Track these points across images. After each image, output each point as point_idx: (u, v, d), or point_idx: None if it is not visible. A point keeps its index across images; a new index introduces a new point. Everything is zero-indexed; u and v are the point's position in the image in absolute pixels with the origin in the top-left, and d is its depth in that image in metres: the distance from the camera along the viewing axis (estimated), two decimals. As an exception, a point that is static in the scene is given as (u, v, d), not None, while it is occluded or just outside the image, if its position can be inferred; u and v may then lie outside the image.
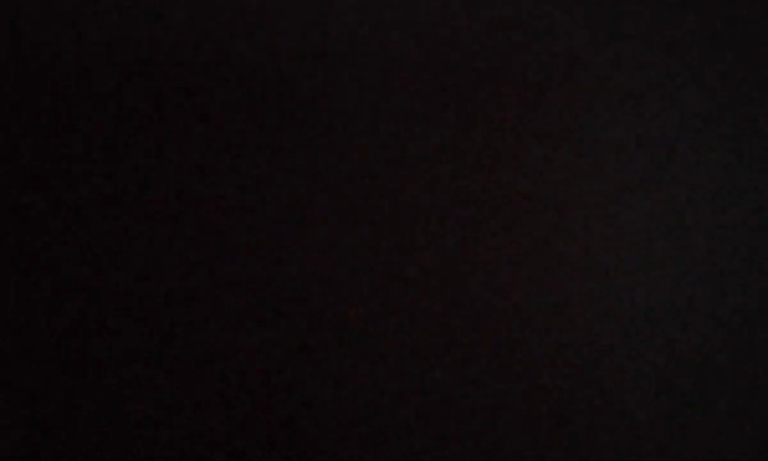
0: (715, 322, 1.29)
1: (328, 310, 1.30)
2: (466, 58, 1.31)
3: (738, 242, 1.30)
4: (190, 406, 1.29)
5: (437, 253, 1.30)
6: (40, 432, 1.29)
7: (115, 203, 1.30)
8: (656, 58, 1.31)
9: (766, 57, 1.31)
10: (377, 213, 1.30)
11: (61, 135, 1.31)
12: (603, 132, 1.30)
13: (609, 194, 1.30)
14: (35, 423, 1.29)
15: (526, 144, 1.30)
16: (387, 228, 1.30)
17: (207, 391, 1.30)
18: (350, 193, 1.30)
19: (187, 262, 1.30)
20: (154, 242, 1.30)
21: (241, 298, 1.30)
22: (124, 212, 1.30)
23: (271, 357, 1.30)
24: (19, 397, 1.29)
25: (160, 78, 1.30)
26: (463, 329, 1.29)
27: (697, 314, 1.30)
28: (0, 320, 1.30)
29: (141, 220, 1.30)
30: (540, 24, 1.30)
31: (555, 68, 1.31)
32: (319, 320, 1.30)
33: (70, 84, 1.31)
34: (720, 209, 1.30)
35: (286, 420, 1.30)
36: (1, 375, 1.29)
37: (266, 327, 1.30)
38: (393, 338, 1.30)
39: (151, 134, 1.30)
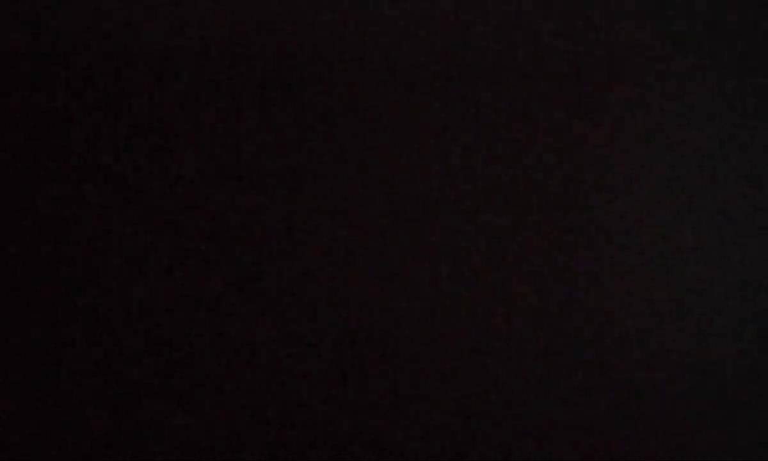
0: (721, 322, 1.30)
1: (330, 311, 1.30)
2: (469, 56, 1.31)
3: (742, 242, 1.30)
4: (190, 406, 1.29)
5: (441, 253, 1.30)
6: (39, 432, 1.29)
7: (115, 203, 1.30)
8: (661, 55, 1.31)
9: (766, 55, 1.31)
10: (381, 213, 1.30)
11: (60, 135, 1.31)
12: (609, 131, 1.31)
13: (615, 193, 1.30)
14: (35, 423, 1.29)
15: (530, 142, 1.31)
16: (390, 227, 1.30)
17: (208, 392, 1.29)
18: (354, 192, 1.30)
19: (187, 261, 1.30)
20: (154, 242, 1.30)
21: (241, 298, 1.30)
22: (125, 211, 1.30)
23: (270, 357, 1.30)
24: (19, 397, 1.29)
25: (160, 78, 1.31)
26: (469, 328, 1.30)
27: (702, 314, 1.30)
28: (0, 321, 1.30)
29: (143, 220, 1.30)
30: (543, 22, 1.31)
31: (560, 67, 1.31)
32: (320, 321, 1.30)
33: (70, 82, 1.31)
34: (730, 203, 1.30)
35: (286, 421, 1.30)
36: (1, 375, 1.29)
37: (266, 327, 1.30)
38: (396, 340, 1.30)
39: (151, 134, 1.31)
